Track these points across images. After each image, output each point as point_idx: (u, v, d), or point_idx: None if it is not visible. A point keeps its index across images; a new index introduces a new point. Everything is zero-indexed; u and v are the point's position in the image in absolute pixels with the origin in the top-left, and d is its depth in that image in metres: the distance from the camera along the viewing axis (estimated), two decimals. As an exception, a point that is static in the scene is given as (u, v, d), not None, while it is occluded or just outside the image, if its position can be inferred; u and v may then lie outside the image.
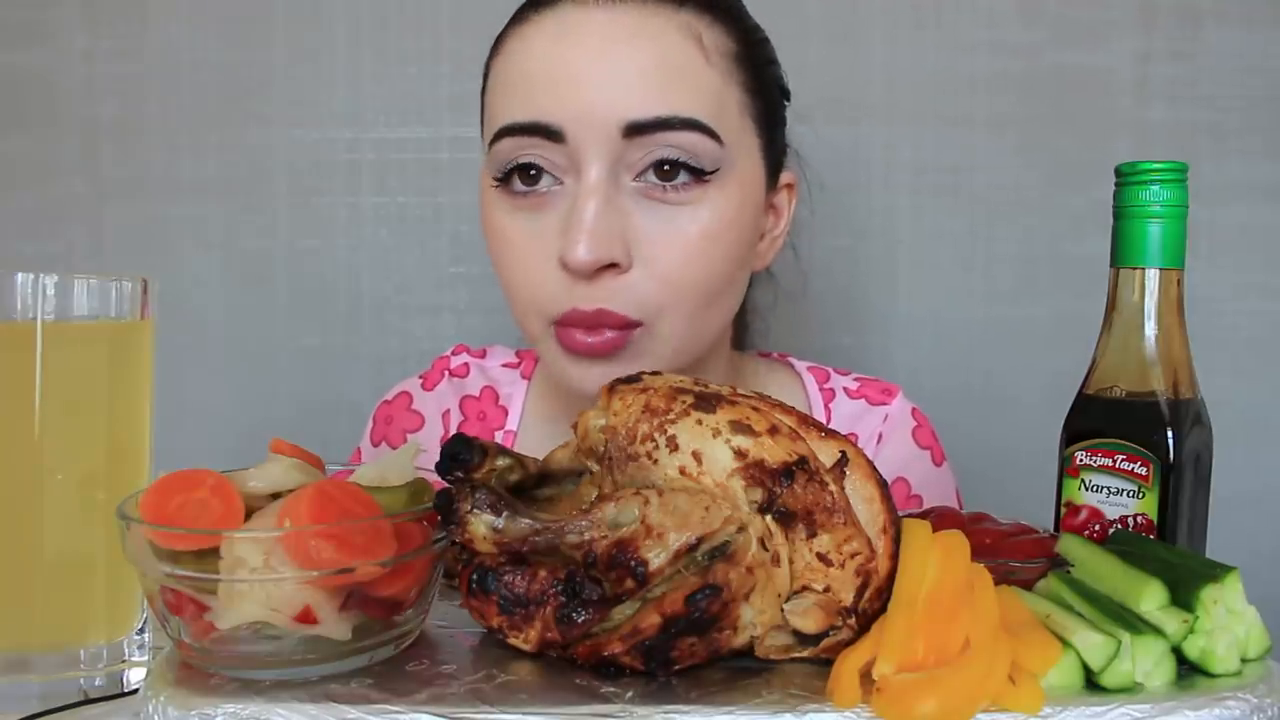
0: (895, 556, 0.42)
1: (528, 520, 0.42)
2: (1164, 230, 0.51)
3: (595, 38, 0.60)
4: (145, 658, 0.53)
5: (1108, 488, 0.52)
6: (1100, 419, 0.53)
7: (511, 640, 0.43)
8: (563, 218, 0.61)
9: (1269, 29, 1.00)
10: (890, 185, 1.03)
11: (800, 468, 0.41)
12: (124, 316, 0.52)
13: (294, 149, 1.05)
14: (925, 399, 0.81)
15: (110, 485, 0.51)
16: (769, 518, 0.41)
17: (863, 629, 0.41)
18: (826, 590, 0.41)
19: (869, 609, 0.41)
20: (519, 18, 0.65)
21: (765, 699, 0.39)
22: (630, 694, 0.39)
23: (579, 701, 0.38)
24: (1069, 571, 0.45)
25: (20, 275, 0.49)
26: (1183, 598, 0.41)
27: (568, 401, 0.75)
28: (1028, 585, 0.45)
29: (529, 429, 0.78)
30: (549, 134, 0.60)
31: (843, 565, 0.41)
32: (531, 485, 0.47)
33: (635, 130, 0.59)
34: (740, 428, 0.41)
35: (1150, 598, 0.41)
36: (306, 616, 0.40)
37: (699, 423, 0.42)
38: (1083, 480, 0.52)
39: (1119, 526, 0.51)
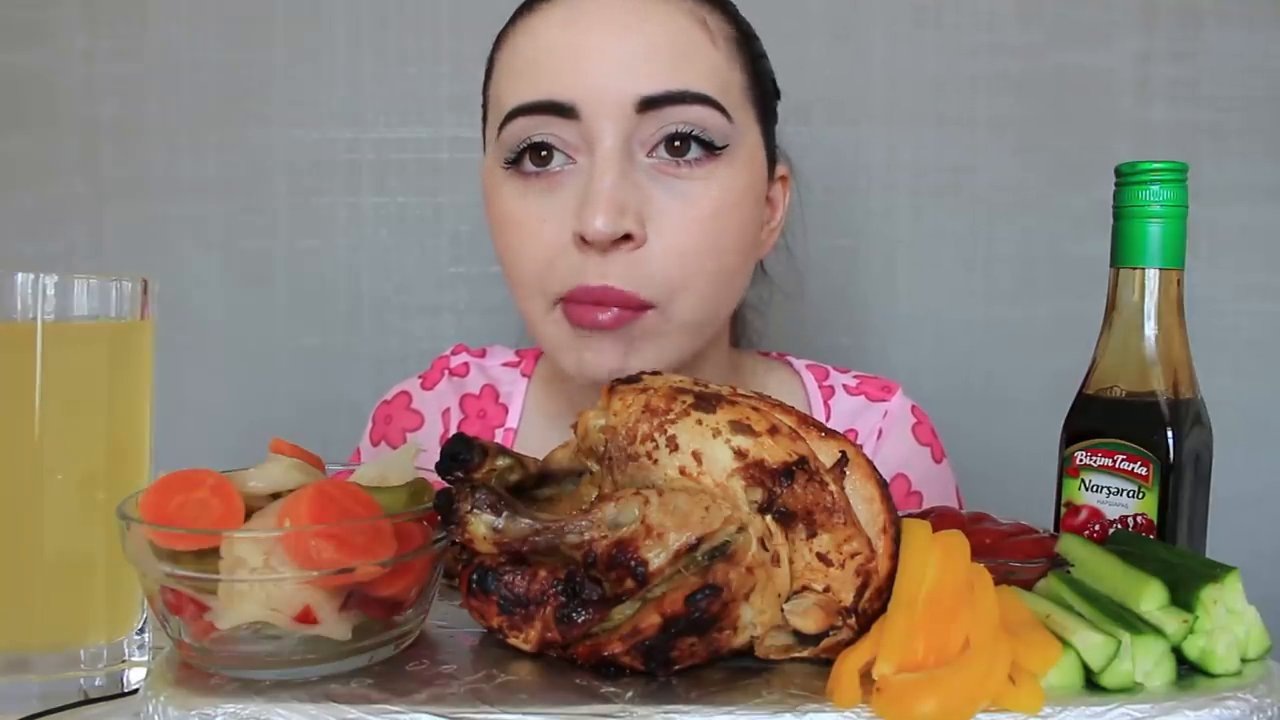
0: (895, 556, 0.42)
1: (528, 520, 0.42)
2: (1164, 230, 0.51)
3: (605, 22, 0.61)
4: (145, 658, 0.53)
5: (1108, 488, 0.52)
6: (1100, 419, 0.53)
7: (511, 640, 0.43)
8: (577, 195, 0.61)
9: (1269, 29, 1.00)
10: (890, 185, 1.03)
11: (800, 468, 0.41)
12: (124, 316, 0.52)
13: (294, 149, 1.05)
14: (925, 399, 0.81)
15: (110, 485, 0.51)
16: (769, 518, 0.41)
17: (863, 629, 0.41)
18: (826, 590, 0.41)
19: (869, 609, 0.41)
20: (525, 9, 0.66)
21: (765, 699, 0.39)
22: (630, 694, 0.39)
23: (579, 701, 0.38)
24: (1069, 571, 0.45)
25: (20, 275, 0.49)
26: (1183, 598, 0.41)
27: (569, 399, 0.76)
28: (1028, 585, 0.45)
29: (529, 427, 0.78)
30: (562, 111, 0.61)
31: (843, 565, 0.41)
32: (531, 485, 0.47)
33: (648, 105, 0.60)
34: (740, 428, 0.41)
35: (1150, 598, 0.41)
36: (306, 616, 0.40)
37: (699, 423, 0.42)
38: (1083, 480, 0.52)
39: (1119, 526, 0.51)
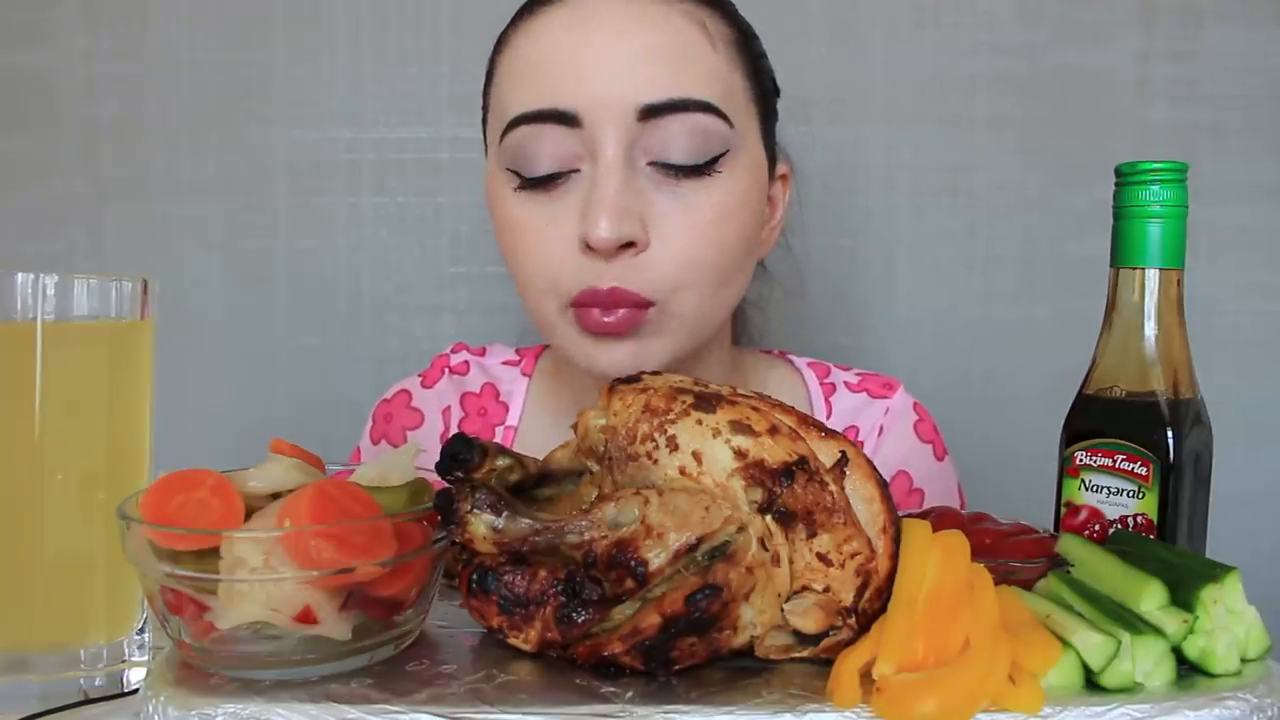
0: (895, 556, 0.42)
1: (528, 520, 0.42)
2: (1164, 230, 0.51)
3: (605, 26, 0.61)
4: (145, 658, 0.53)
5: (1108, 488, 0.52)
6: (1100, 419, 0.53)
7: (511, 640, 0.43)
8: (580, 201, 0.62)
9: (1269, 29, 1.00)
10: (890, 185, 1.03)
11: (800, 468, 0.41)
12: (124, 316, 0.52)
13: (294, 149, 1.05)
14: (925, 399, 0.81)
15: (110, 485, 0.51)
16: (769, 518, 0.41)
17: (863, 629, 0.41)
18: (826, 590, 0.41)
19: (869, 609, 0.41)
20: (526, 12, 0.66)
21: (765, 699, 0.39)
22: (630, 694, 0.39)
23: (579, 701, 0.38)
24: (1069, 571, 0.45)
25: (20, 275, 0.49)
26: (1183, 598, 0.41)
27: (569, 397, 0.76)
28: (1028, 585, 0.45)
29: (530, 424, 0.78)
30: (565, 119, 0.61)
31: (843, 565, 0.41)
32: (531, 485, 0.47)
33: (650, 113, 0.60)
34: (740, 428, 0.41)
35: (1150, 598, 0.41)
36: (306, 616, 0.40)
37: (699, 423, 0.42)
38: (1083, 480, 0.52)
39: (1119, 526, 0.51)
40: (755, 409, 0.42)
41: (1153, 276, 0.52)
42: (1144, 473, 0.50)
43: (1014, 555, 0.47)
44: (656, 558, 0.40)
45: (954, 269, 1.04)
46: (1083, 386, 0.55)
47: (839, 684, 0.39)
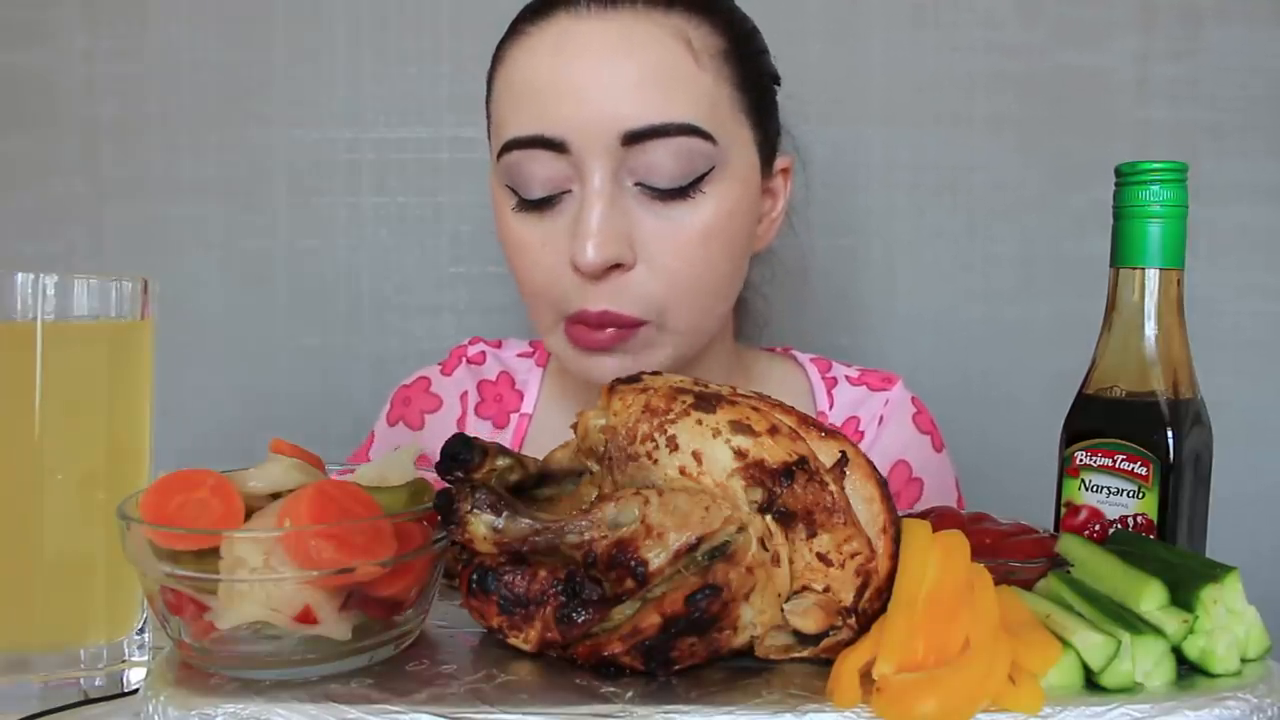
0: (895, 556, 0.42)
1: (528, 520, 0.42)
2: (1164, 230, 0.51)
3: (591, 49, 0.63)
4: (145, 658, 0.53)
5: (1108, 488, 0.52)
6: (1100, 419, 0.53)
7: (511, 640, 0.43)
8: (571, 222, 0.64)
9: (1269, 29, 1.00)
10: (890, 185, 1.03)
11: (800, 468, 0.41)
12: (124, 316, 0.52)
13: (294, 149, 1.05)
14: (925, 398, 0.81)
15: (110, 485, 0.51)
16: (769, 518, 0.41)
17: (863, 629, 0.41)
18: (826, 590, 0.41)
19: (869, 609, 0.41)
20: (518, 29, 0.67)
21: (765, 699, 0.39)
22: (630, 694, 0.39)
23: (579, 701, 0.38)
24: (1069, 571, 0.45)
25: (20, 275, 0.49)
26: (1183, 598, 0.41)
27: (582, 387, 0.78)
28: (1028, 585, 0.45)
29: (544, 413, 0.81)
30: (553, 146, 0.63)
31: (843, 565, 0.41)
32: (531, 485, 0.47)
33: (634, 138, 0.62)
34: (740, 428, 0.41)
35: (1150, 598, 0.41)
36: (306, 616, 0.40)
37: (699, 423, 0.42)
38: (1083, 480, 0.52)
39: (1119, 526, 0.51)
40: (755, 409, 0.42)
41: (1153, 276, 0.52)
42: (1144, 473, 0.50)
43: (1014, 555, 0.47)
44: (656, 558, 0.40)
45: (953, 268, 1.04)
46: (1083, 386, 0.55)
47: (839, 684, 0.39)
